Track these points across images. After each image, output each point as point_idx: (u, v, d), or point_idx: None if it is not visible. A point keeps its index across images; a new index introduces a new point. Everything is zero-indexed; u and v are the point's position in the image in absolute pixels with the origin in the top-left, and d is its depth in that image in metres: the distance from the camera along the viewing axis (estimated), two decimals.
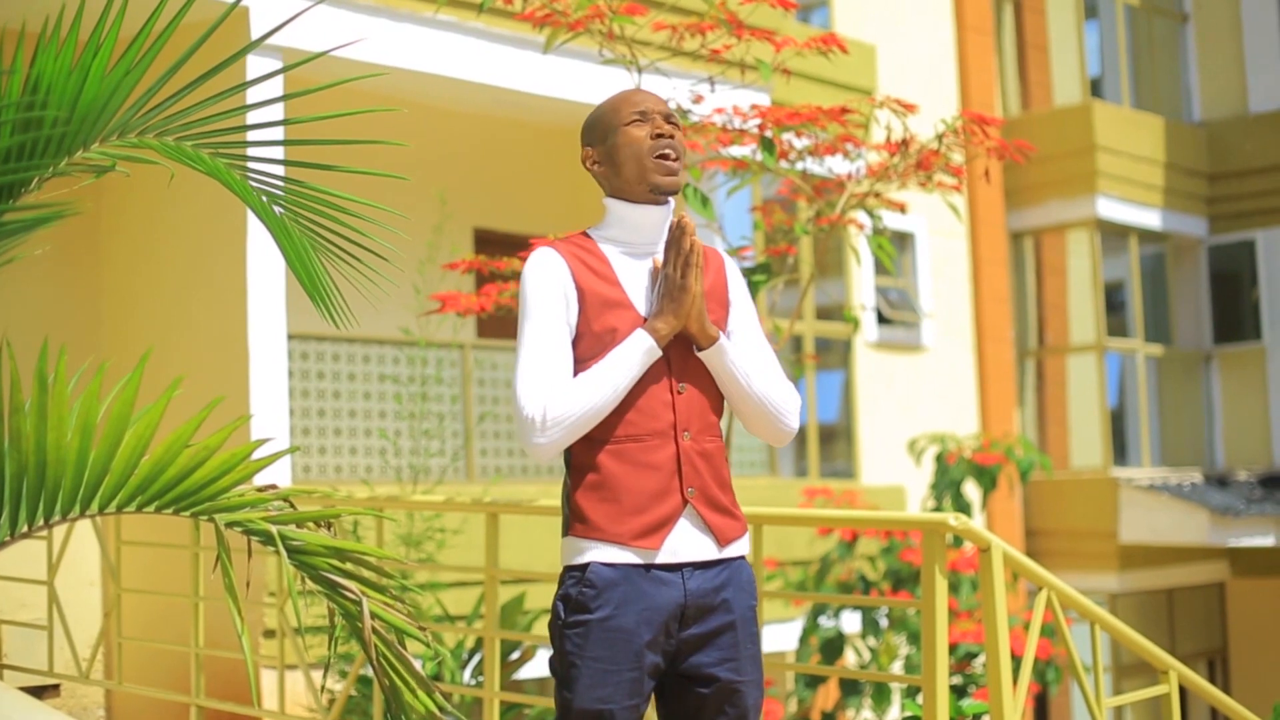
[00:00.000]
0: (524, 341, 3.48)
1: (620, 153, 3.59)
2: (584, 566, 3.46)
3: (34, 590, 8.00)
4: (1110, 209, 17.25)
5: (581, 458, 3.50)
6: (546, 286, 3.53)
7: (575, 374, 3.49)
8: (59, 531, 7.78)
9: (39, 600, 7.96)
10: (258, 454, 3.48)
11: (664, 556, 3.47)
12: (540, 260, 3.57)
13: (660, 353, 3.43)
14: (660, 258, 3.60)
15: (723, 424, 3.67)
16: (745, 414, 3.67)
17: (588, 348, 3.50)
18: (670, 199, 3.64)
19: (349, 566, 3.46)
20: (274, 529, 3.37)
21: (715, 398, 3.62)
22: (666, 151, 3.57)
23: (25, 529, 3.46)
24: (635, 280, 3.59)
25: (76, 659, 7.75)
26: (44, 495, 3.41)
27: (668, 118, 3.62)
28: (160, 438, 3.45)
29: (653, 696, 3.58)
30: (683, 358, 3.55)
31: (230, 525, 3.44)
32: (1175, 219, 18.20)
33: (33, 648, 8.05)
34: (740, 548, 3.60)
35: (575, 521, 3.50)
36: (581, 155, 3.71)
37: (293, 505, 3.53)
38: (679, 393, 3.52)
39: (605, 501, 3.46)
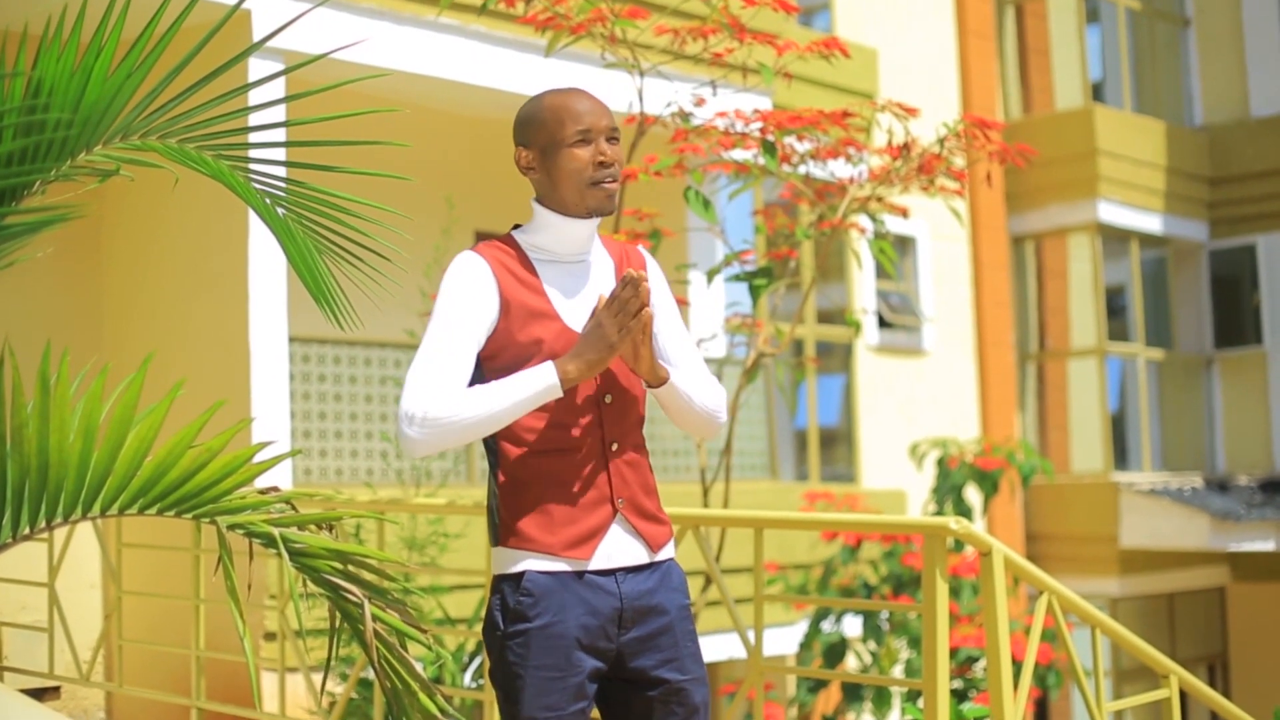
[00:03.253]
0: (427, 339, 3.43)
1: (559, 171, 3.52)
2: (519, 575, 3.44)
3: (35, 592, 8.00)
4: (1111, 213, 17.25)
5: (510, 467, 3.49)
6: (466, 295, 3.48)
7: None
8: (60, 534, 7.78)
9: (40, 603, 7.96)
10: (260, 457, 3.48)
11: (598, 563, 3.47)
12: (466, 266, 3.52)
13: (561, 393, 3.37)
14: (605, 295, 3.51)
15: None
16: (683, 422, 3.70)
17: (511, 358, 3.46)
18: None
19: (351, 569, 3.46)
20: (276, 531, 3.37)
21: (640, 405, 3.62)
22: (607, 183, 3.52)
23: (27, 531, 3.46)
24: (560, 288, 3.55)
25: (77, 661, 7.75)
26: (46, 497, 3.41)
27: (610, 135, 3.55)
28: (162, 440, 3.46)
29: (597, 709, 3.59)
30: (612, 367, 3.54)
31: (232, 528, 3.44)
32: (1176, 223, 18.20)
33: (33, 650, 8.05)
34: (668, 550, 3.62)
35: (506, 534, 3.48)
36: (516, 155, 3.63)
37: (295, 508, 3.53)
38: (606, 403, 3.52)
39: (536, 513, 3.45)
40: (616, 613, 3.46)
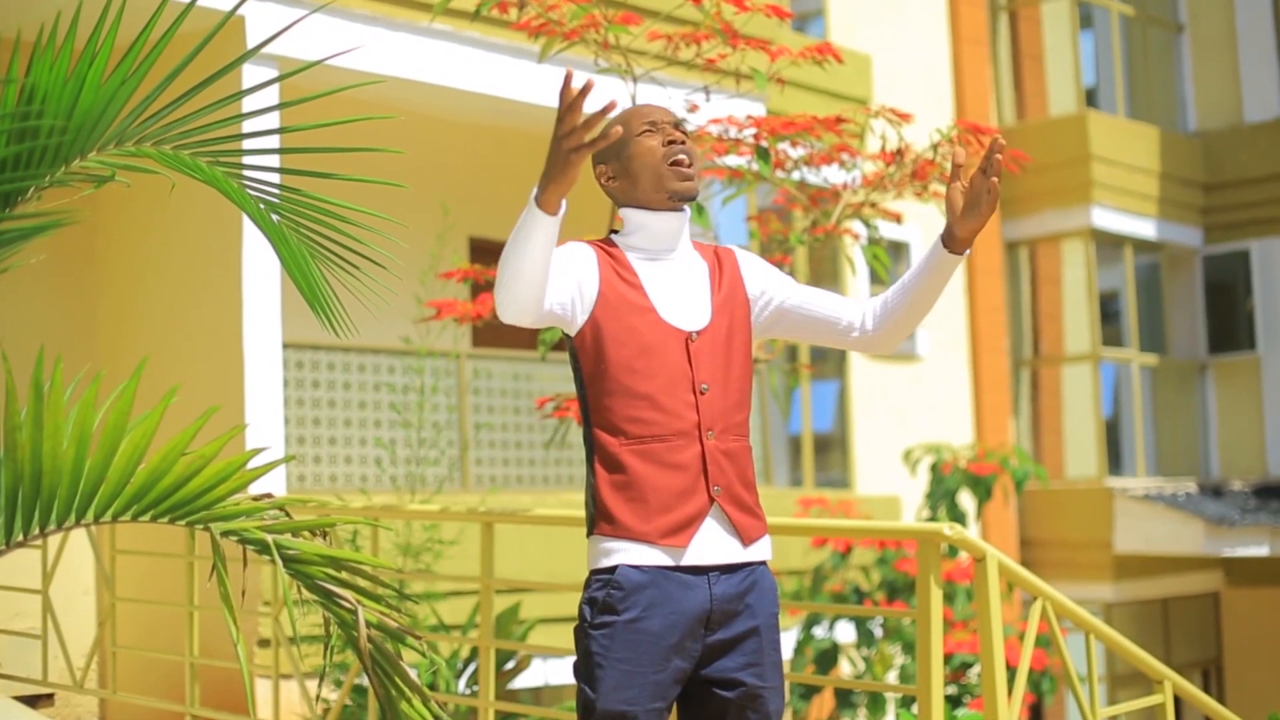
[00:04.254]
0: None
1: (635, 163, 3.64)
2: (612, 569, 3.48)
3: (29, 599, 7.98)
4: (1105, 219, 17.26)
5: (606, 457, 3.53)
6: (567, 258, 3.58)
7: (608, 381, 3.54)
8: (53, 540, 7.78)
9: (33, 609, 7.95)
10: (254, 463, 3.47)
11: (691, 558, 3.48)
12: (575, 246, 3.64)
13: (541, 215, 3.29)
14: (676, 259, 3.69)
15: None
16: (923, 309, 3.79)
17: (612, 350, 3.54)
18: (687, 206, 3.69)
19: (344, 575, 3.46)
20: (269, 538, 3.37)
21: (738, 396, 3.65)
22: (681, 157, 3.63)
23: (21, 538, 3.46)
24: (655, 283, 3.63)
25: (71, 668, 7.74)
26: (40, 504, 3.41)
27: (677, 125, 3.68)
28: (156, 446, 3.45)
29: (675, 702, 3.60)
30: (707, 357, 3.59)
31: (226, 534, 3.43)
32: (1170, 229, 18.21)
33: (27, 657, 8.03)
34: (763, 550, 3.64)
35: (602, 521, 3.52)
36: (595, 173, 3.74)
37: (288, 514, 3.53)
38: (701, 393, 3.55)
39: (632, 501, 3.48)
40: (705, 613, 3.48)
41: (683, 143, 3.65)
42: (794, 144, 6.85)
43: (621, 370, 3.53)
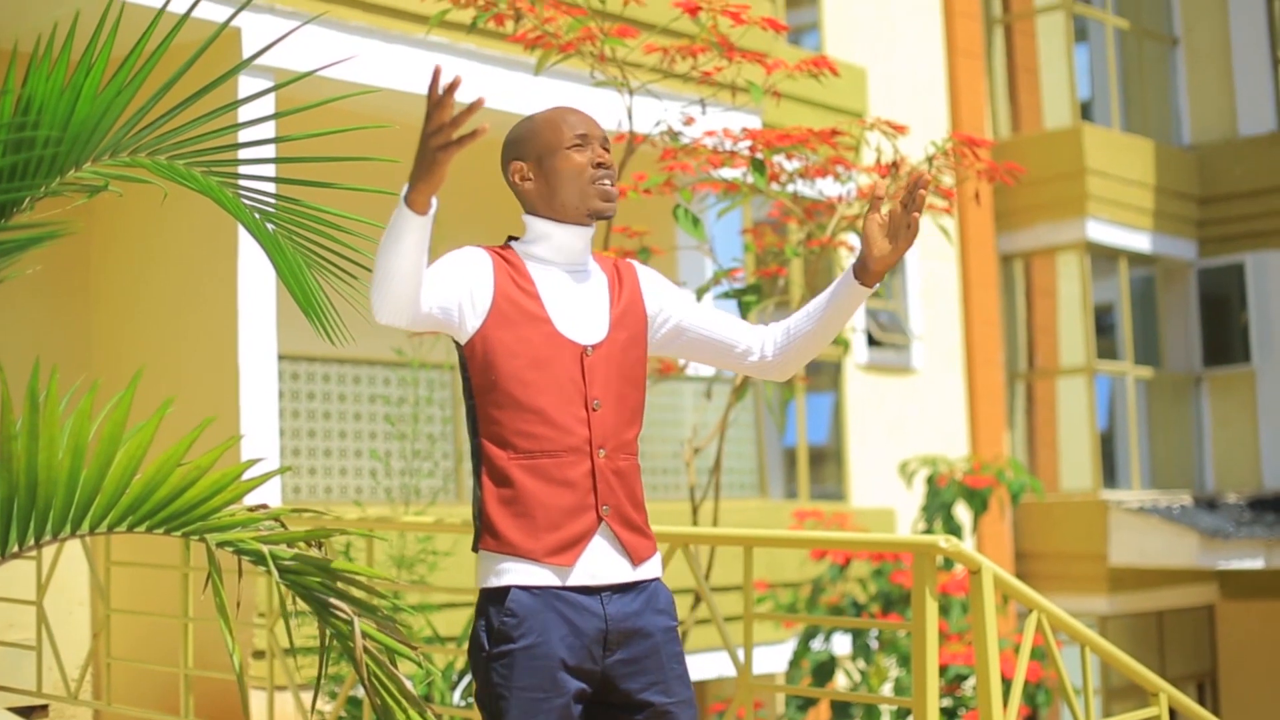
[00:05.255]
0: None
1: (558, 176, 3.56)
2: (504, 592, 3.41)
3: (23, 610, 7.97)
4: (1100, 232, 17.28)
5: (494, 470, 3.46)
6: (458, 263, 3.51)
7: (498, 392, 3.47)
8: (48, 551, 7.77)
9: (28, 620, 7.94)
10: (249, 474, 3.47)
11: (581, 578, 3.44)
12: (468, 251, 3.56)
13: (410, 215, 3.21)
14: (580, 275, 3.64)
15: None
16: (821, 344, 3.75)
17: (503, 360, 3.46)
18: (595, 223, 3.64)
19: (340, 586, 3.46)
20: (265, 549, 3.37)
21: (631, 414, 3.59)
22: (606, 183, 3.56)
23: (16, 549, 3.46)
24: (554, 294, 3.55)
25: (65, 679, 7.73)
26: (35, 515, 3.41)
27: (604, 143, 3.61)
28: (151, 458, 3.45)
29: None
30: (601, 373, 3.54)
31: (221, 545, 3.43)
32: (1165, 242, 18.24)
33: (21, 668, 8.03)
34: (654, 568, 3.58)
35: (488, 535, 3.46)
36: (510, 169, 3.64)
37: (283, 525, 3.53)
38: (594, 409, 3.49)
39: (519, 517, 3.42)
40: (601, 634, 3.43)
41: (610, 166, 3.58)
42: (789, 157, 6.86)
43: (512, 382, 3.46)
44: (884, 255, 3.58)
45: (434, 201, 3.22)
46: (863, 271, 3.61)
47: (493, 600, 3.43)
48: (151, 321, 9.25)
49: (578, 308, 3.58)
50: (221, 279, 8.79)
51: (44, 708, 8.57)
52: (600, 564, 3.46)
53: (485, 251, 3.57)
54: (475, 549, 3.52)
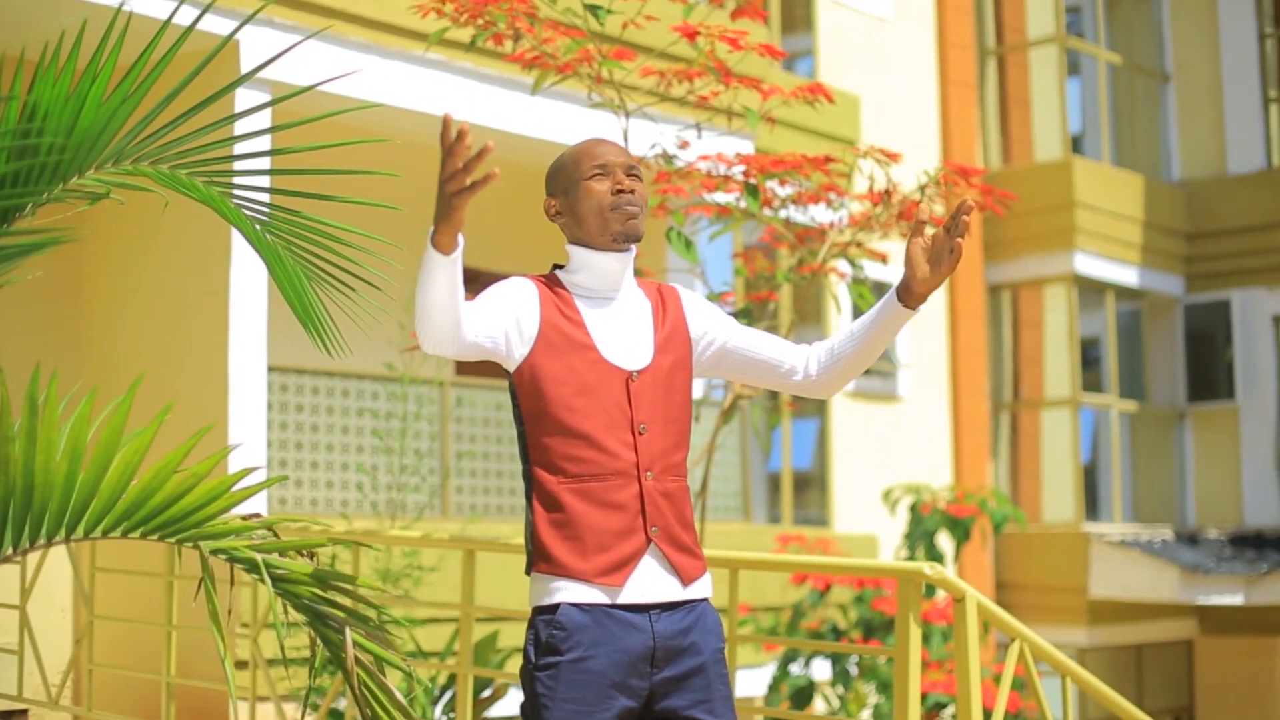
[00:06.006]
0: None
1: (581, 206, 3.65)
2: (554, 608, 3.49)
3: (5, 615, 7.98)
4: (1088, 265, 17.34)
5: (545, 495, 3.54)
6: (505, 293, 3.61)
7: (547, 419, 3.55)
8: (33, 556, 7.78)
9: (10, 625, 7.95)
10: (243, 483, 3.50)
11: (630, 597, 3.50)
12: (516, 281, 3.66)
13: (436, 255, 3.32)
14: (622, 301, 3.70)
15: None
16: (868, 360, 3.82)
17: (551, 388, 3.54)
18: (633, 246, 3.70)
19: (332, 596, 3.48)
20: (259, 557, 3.39)
21: (677, 437, 3.66)
22: (627, 209, 3.63)
23: (10, 551, 3.48)
24: (597, 322, 3.64)
25: (46, 684, 7.73)
26: (30, 518, 3.43)
27: (629, 170, 3.68)
28: (143, 465, 3.48)
29: None
30: (648, 397, 3.60)
31: (215, 552, 3.46)
32: (1152, 277, 18.30)
33: (2, 672, 8.03)
34: (704, 588, 3.65)
35: (540, 560, 3.53)
36: (545, 204, 3.77)
37: (276, 534, 3.56)
38: (640, 433, 3.56)
39: (569, 539, 3.50)
40: (649, 651, 3.50)
41: (631, 191, 3.65)
42: (782, 182, 6.89)
43: (560, 409, 3.54)
44: (927, 279, 3.65)
45: (460, 240, 3.31)
46: (906, 294, 3.68)
47: (543, 615, 3.51)
48: (143, 332, 9.26)
49: (622, 334, 3.66)
50: (213, 290, 8.81)
51: (24, 712, 8.57)
52: (649, 583, 3.53)
53: (531, 281, 3.66)
54: (528, 572, 3.59)
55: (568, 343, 3.58)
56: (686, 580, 3.59)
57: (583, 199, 3.65)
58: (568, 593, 3.48)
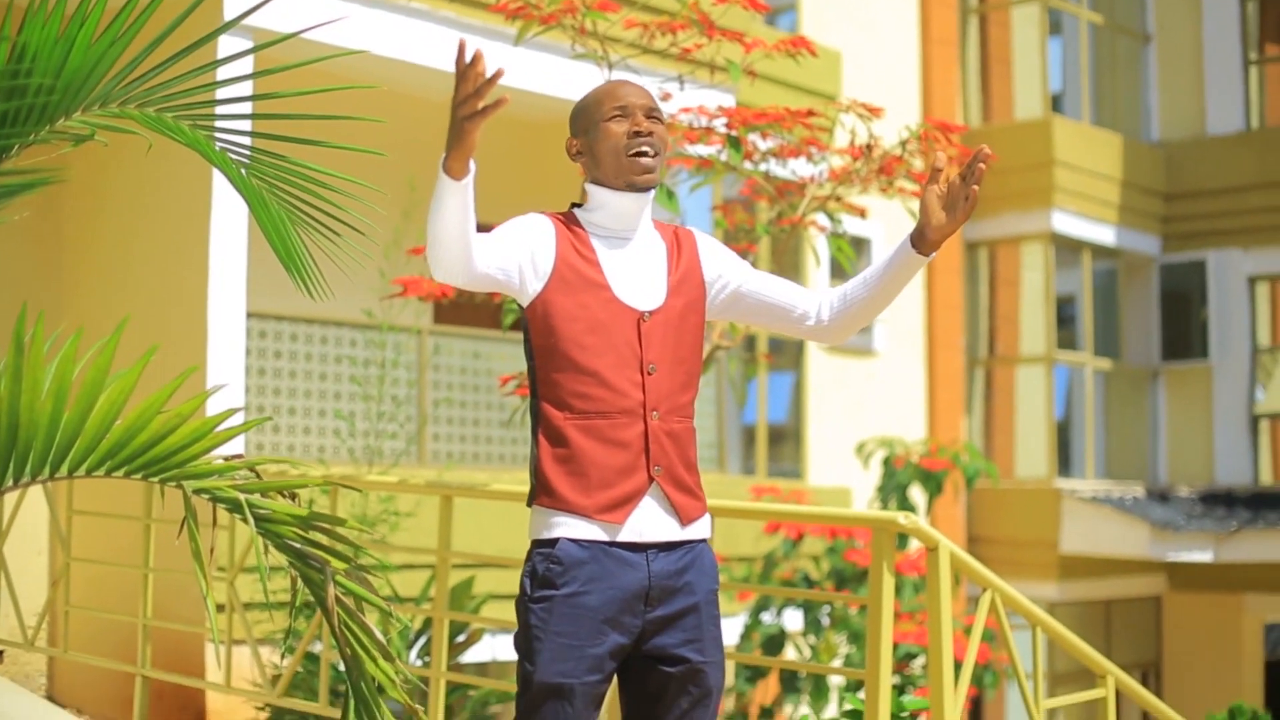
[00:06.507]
0: None
1: (599, 147, 3.68)
2: (553, 542, 3.53)
3: None
4: (1065, 223, 17.40)
5: (551, 430, 3.58)
6: (522, 227, 3.65)
7: (557, 355, 3.59)
8: (10, 498, 7.80)
9: None
10: (226, 424, 3.53)
11: (629, 535, 3.54)
12: (533, 217, 3.70)
13: (448, 181, 3.35)
14: (633, 240, 3.74)
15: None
16: (881, 306, 3.87)
17: (562, 324, 3.58)
18: (650, 189, 3.73)
19: (313, 537, 3.52)
20: (242, 497, 3.43)
21: (685, 378, 3.70)
22: (644, 149, 3.66)
23: None
24: (612, 261, 3.67)
25: (22, 626, 7.76)
26: (15, 456, 3.46)
27: (649, 113, 3.70)
28: (128, 406, 3.50)
29: (615, 679, 3.65)
30: (658, 338, 3.64)
31: (198, 492, 3.49)
32: (1129, 236, 18.37)
33: None
34: (702, 529, 3.68)
35: (542, 493, 3.57)
36: (566, 143, 3.81)
37: (258, 475, 3.59)
38: (649, 373, 3.60)
39: (572, 475, 3.53)
40: (644, 590, 3.54)
41: (649, 134, 3.68)
42: (764, 135, 6.91)
43: (571, 345, 3.58)
44: (941, 225, 3.70)
45: (471, 166, 3.35)
46: (920, 241, 3.72)
47: (541, 549, 3.55)
48: (124, 276, 9.27)
49: (636, 274, 3.69)
50: (194, 236, 8.82)
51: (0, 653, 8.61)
52: (649, 522, 3.57)
53: (548, 218, 3.70)
54: (530, 504, 3.63)
55: (581, 280, 3.61)
56: (686, 521, 3.63)
57: (601, 140, 3.68)
58: (567, 528, 3.52)
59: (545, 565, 3.52)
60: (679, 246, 3.80)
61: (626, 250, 3.72)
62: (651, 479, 3.57)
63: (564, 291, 3.60)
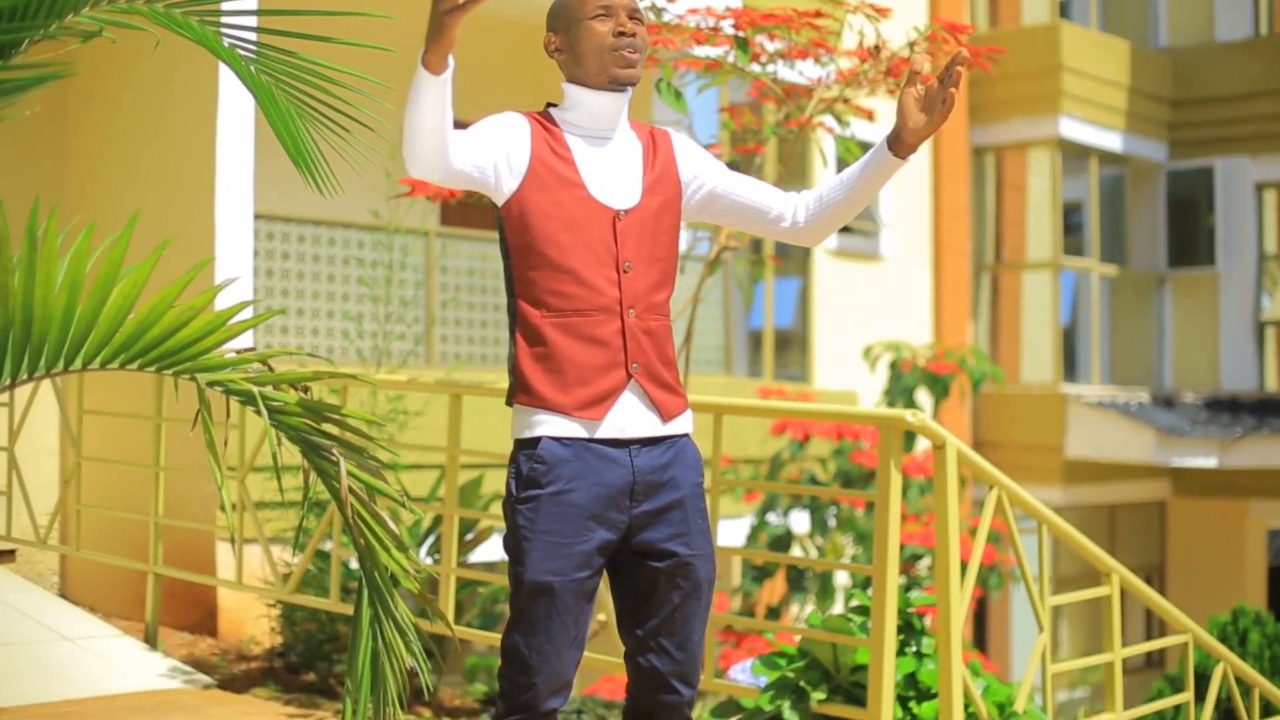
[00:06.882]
0: None
1: (582, 45, 3.66)
2: (535, 441, 3.55)
3: None
4: (1073, 129, 17.35)
5: (528, 329, 3.59)
6: (498, 125, 3.63)
7: (533, 254, 3.59)
8: (20, 399, 7.84)
9: None
10: (238, 318, 3.54)
11: (610, 432, 3.56)
12: (508, 116, 3.68)
13: (426, 75, 3.35)
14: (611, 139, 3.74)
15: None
16: (854, 210, 3.85)
17: (538, 222, 3.58)
18: (628, 88, 3.72)
19: (326, 429, 3.54)
20: (255, 389, 3.45)
21: (661, 276, 3.71)
22: (627, 50, 3.65)
23: (9, 382, 3.53)
24: (588, 160, 3.67)
25: (35, 525, 7.83)
26: (29, 350, 3.47)
27: (632, 13, 3.68)
28: (140, 300, 3.52)
29: (605, 576, 3.69)
30: (634, 237, 3.65)
31: (212, 385, 3.51)
32: (1136, 143, 18.31)
33: None
34: (684, 424, 3.71)
35: (520, 391, 3.59)
36: (545, 40, 3.77)
37: (270, 368, 3.60)
38: (625, 271, 3.61)
39: (550, 373, 3.55)
40: (629, 486, 3.56)
41: (633, 35, 3.66)
42: (772, 37, 6.89)
43: (546, 243, 3.58)
44: (919, 128, 3.68)
45: (450, 61, 3.34)
46: (897, 143, 3.71)
47: (524, 449, 3.57)
48: (130, 175, 9.25)
49: (612, 173, 3.69)
50: (201, 135, 8.80)
51: (11, 552, 8.68)
52: (629, 418, 3.59)
53: (524, 117, 3.68)
54: (509, 403, 3.65)
55: (557, 179, 3.61)
56: (666, 416, 3.64)
57: (583, 38, 3.66)
58: (548, 426, 3.54)
59: (530, 465, 3.54)
60: (655, 146, 3.80)
61: (603, 150, 3.71)
62: (630, 376, 3.59)
63: (539, 190, 3.60)
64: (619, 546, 3.61)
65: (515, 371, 3.62)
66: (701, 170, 3.84)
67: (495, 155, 3.58)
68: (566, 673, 3.56)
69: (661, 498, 3.62)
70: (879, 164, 3.74)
